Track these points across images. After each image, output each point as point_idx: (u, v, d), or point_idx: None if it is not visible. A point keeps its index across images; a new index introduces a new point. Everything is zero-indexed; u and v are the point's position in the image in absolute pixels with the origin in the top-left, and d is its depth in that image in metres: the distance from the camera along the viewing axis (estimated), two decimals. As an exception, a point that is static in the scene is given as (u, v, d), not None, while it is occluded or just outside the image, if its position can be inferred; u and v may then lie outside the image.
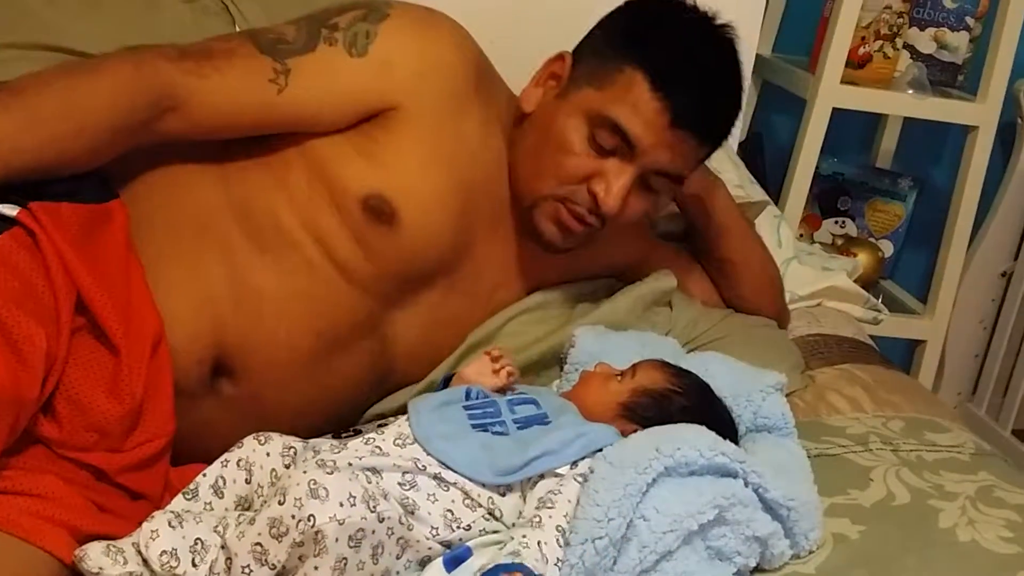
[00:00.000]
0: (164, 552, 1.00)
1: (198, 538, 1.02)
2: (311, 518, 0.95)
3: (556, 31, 1.43)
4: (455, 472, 1.08)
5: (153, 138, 1.24)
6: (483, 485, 1.08)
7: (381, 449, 1.10)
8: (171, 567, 1.00)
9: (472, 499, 1.08)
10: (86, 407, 1.09)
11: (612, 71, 1.30)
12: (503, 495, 1.09)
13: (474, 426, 1.13)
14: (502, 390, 1.23)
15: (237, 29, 1.79)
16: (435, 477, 1.08)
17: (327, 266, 1.28)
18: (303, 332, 1.27)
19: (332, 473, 0.98)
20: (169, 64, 1.22)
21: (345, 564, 0.97)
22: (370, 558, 0.99)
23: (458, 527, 1.07)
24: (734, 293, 1.61)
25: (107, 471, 1.10)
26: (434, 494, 1.07)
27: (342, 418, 1.36)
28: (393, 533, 1.01)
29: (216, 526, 1.04)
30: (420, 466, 1.08)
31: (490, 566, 0.99)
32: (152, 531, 1.01)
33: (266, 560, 0.97)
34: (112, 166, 1.24)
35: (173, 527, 1.01)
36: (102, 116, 1.18)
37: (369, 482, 1.03)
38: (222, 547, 1.01)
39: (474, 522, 1.08)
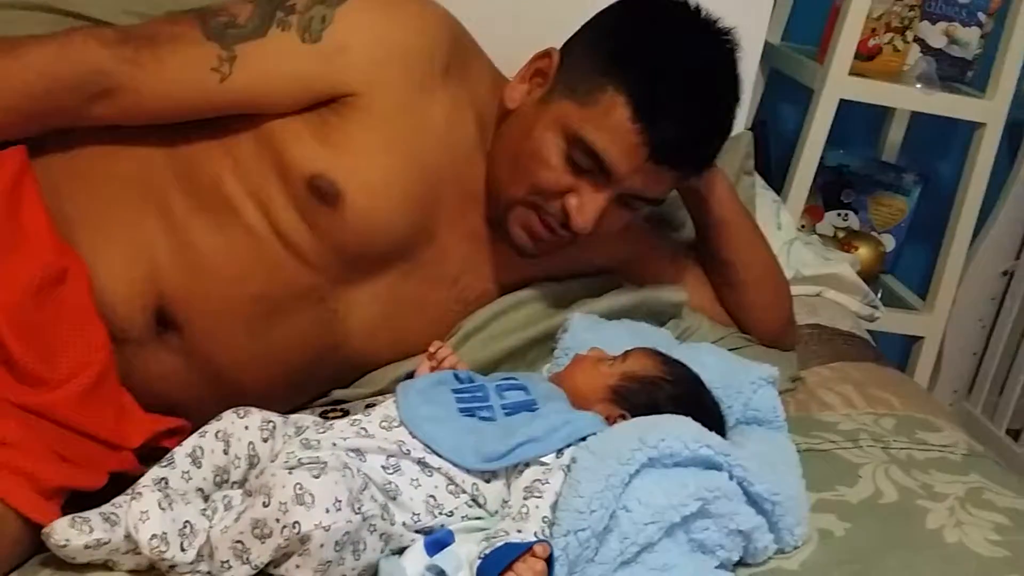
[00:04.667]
0: (154, 536, 0.98)
1: (187, 521, 1.00)
2: (296, 524, 0.94)
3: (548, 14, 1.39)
4: (440, 456, 1.07)
5: (83, 123, 1.22)
6: (467, 471, 1.07)
7: (367, 431, 1.09)
8: (160, 551, 0.98)
9: (456, 485, 1.07)
10: None
11: (595, 89, 1.24)
12: (487, 481, 1.08)
13: (461, 410, 1.12)
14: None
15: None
16: (419, 462, 1.07)
17: (268, 234, 1.26)
18: (239, 292, 1.26)
19: (319, 476, 0.97)
20: (103, 49, 1.19)
21: (329, 566, 0.97)
22: (352, 555, 0.99)
23: (440, 513, 1.06)
24: (736, 300, 1.53)
25: (46, 411, 1.09)
26: (417, 479, 1.06)
27: (297, 384, 1.34)
28: (375, 530, 1.01)
29: (204, 509, 1.03)
30: (404, 450, 1.07)
31: (499, 543, 0.97)
32: (142, 512, 1.00)
33: (247, 559, 0.97)
34: None
35: (163, 508, 1.00)
36: (12, 99, 1.17)
37: (353, 476, 1.01)
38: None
39: (456, 508, 1.07)
